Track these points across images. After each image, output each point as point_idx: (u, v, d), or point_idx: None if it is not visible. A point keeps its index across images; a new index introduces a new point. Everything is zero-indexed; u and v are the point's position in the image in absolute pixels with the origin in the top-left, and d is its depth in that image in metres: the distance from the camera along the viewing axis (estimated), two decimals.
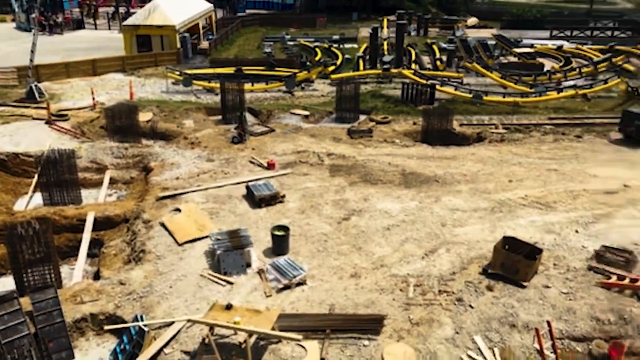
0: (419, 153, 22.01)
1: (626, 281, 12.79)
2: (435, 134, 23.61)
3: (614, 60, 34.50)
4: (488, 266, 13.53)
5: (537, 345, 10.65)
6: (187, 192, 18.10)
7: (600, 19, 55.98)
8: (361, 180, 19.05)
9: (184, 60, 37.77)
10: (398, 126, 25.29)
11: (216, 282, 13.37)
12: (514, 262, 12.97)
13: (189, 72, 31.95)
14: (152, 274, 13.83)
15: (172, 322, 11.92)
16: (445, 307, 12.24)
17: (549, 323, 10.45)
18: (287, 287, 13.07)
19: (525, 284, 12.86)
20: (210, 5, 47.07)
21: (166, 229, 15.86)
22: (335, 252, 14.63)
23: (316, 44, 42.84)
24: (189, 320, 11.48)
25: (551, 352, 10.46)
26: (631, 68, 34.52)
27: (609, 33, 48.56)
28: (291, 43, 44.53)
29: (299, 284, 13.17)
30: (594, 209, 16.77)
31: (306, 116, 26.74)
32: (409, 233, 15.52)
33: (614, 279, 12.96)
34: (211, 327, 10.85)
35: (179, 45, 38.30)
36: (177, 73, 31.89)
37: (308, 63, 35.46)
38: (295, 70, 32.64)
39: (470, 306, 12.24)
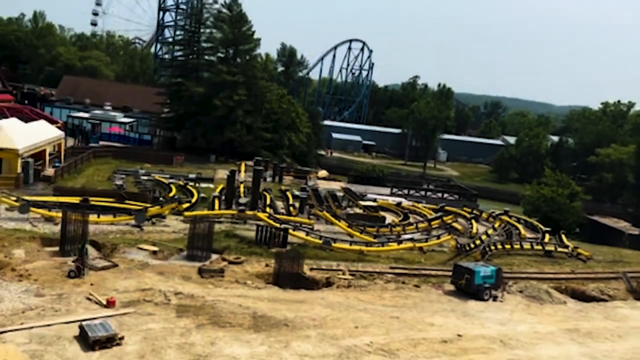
0: (271, 295, 21.84)
1: None
2: (286, 276, 23.79)
3: (444, 218, 38.64)
4: None
5: None
6: (7, 331, 15.80)
7: (432, 181, 63.55)
8: (209, 323, 18.18)
9: (23, 186, 35.20)
10: (250, 267, 25.16)
11: None
12: None
13: (27, 198, 29.66)
14: None
15: None
16: None
17: None
18: None
19: None
20: (60, 133, 45.67)
21: None
22: None
23: (171, 180, 42.66)
24: None
25: None
26: (459, 227, 38.74)
27: (439, 195, 54.81)
28: (145, 177, 43.83)
29: None
30: (433, 357, 17.52)
31: (155, 252, 25.60)
32: None
33: None
34: None
35: (19, 169, 35.86)
36: (13, 199, 29.41)
37: (161, 198, 34.83)
38: (147, 205, 31.82)
39: None
